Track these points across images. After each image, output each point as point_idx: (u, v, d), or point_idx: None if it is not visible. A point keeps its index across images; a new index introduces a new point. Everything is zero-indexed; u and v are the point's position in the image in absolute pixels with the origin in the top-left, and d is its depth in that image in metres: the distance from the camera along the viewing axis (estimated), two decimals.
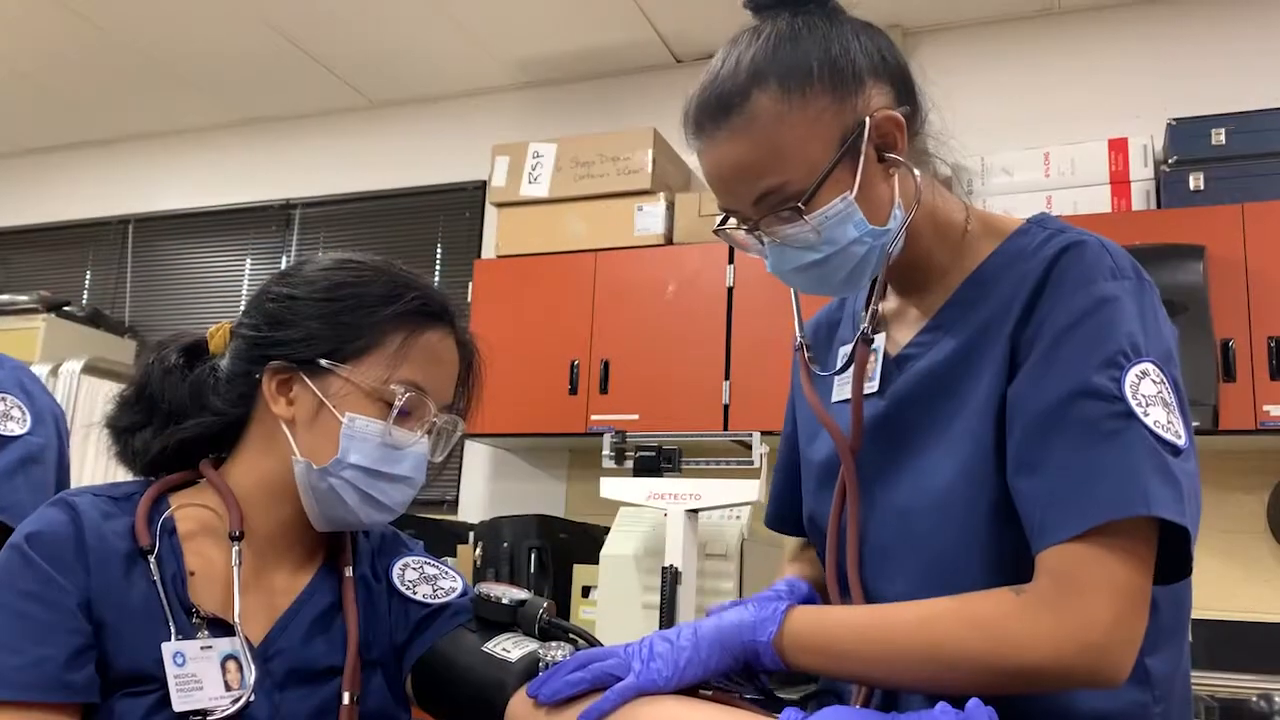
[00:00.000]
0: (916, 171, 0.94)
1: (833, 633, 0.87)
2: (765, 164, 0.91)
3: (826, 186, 0.91)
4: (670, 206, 3.24)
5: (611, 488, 2.45)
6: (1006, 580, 0.87)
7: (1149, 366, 0.85)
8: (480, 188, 3.95)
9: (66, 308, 4.10)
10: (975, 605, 0.83)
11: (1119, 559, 0.80)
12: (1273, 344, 2.54)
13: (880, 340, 1.03)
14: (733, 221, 0.98)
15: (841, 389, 1.04)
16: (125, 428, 1.07)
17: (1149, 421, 0.82)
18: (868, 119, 0.91)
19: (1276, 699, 2.21)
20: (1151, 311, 0.89)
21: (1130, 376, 0.84)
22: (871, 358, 1.03)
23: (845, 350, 1.06)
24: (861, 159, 0.91)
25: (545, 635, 1.01)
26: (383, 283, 1.03)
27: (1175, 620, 0.92)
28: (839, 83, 0.91)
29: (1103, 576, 0.79)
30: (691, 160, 1.00)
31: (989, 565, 0.90)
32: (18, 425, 1.46)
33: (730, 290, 3.06)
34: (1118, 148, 2.90)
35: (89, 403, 3.41)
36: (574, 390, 3.17)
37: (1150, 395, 0.84)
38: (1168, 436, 0.83)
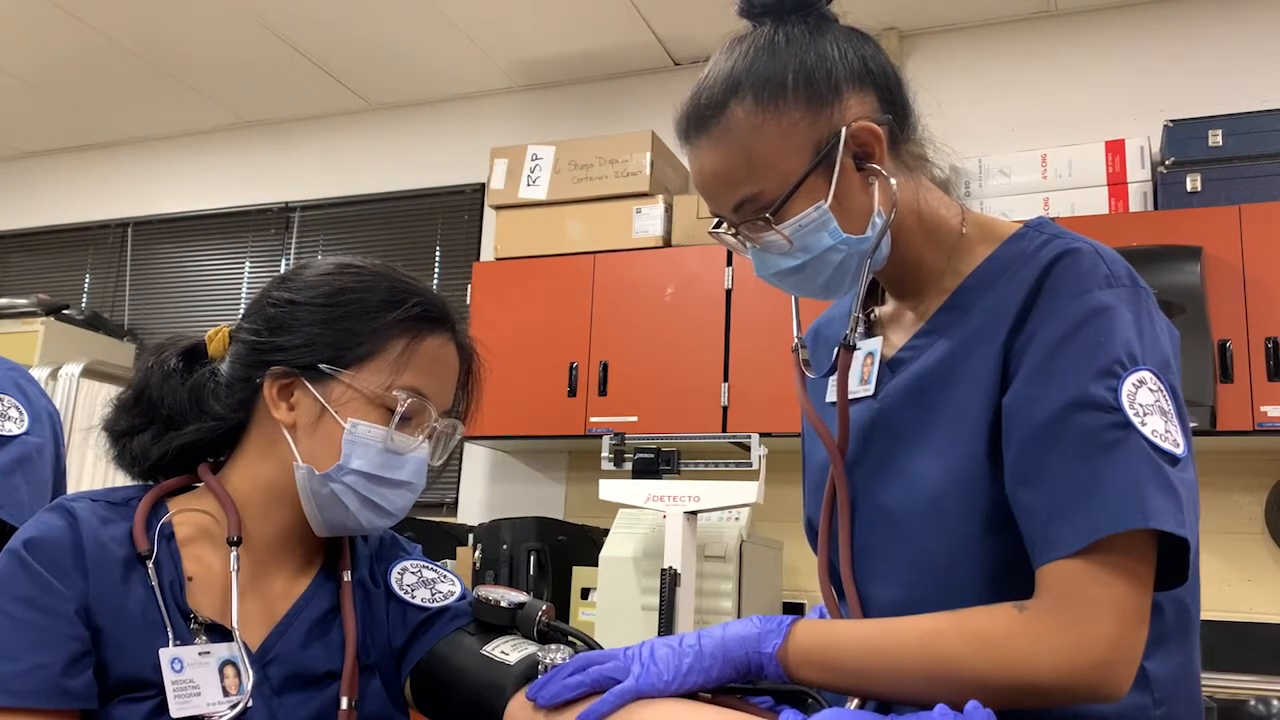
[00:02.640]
0: (893, 181, 0.95)
1: (836, 647, 0.87)
2: (741, 173, 0.94)
3: (800, 195, 0.93)
4: (668, 209, 3.24)
5: (610, 490, 2.46)
6: (999, 586, 0.87)
7: (1146, 375, 0.85)
8: (479, 190, 3.95)
9: (65, 311, 4.10)
10: (978, 622, 0.83)
11: (1120, 574, 0.80)
12: (1270, 345, 2.55)
13: (877, 343, 1.04)
14: (724, 225, 1.00)
15: (833, 391, 1.05)
16: (124, 431, 1.07)
17: (1146, 431, 0.83)
18: (844, 129, 0.92)
19: (1274, 701, 2.22)
20: (1147, 318, 0.89)
21: (1127, 386, 0.84)
22: (868, 360, 1.03)
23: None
24: (837, 169, 0.92)
25: (544, 638, 1.01)
26: (384, 288, 1.03)
27: (1178, 623, 0.92)
28: (813, 94, 0.93)
29: (1104, 593, 0.80)
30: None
31: (981, 571, 0.90)
32: (15, 425, 1.46)
33: (729, 292, 3.06)
34: (1115, 149, 2.90)
35: (88, 406, 3.41)
36: (573, 392, 3.17)
37: (1148, 404, 0.84)
38: (1166, 446, 0.83)
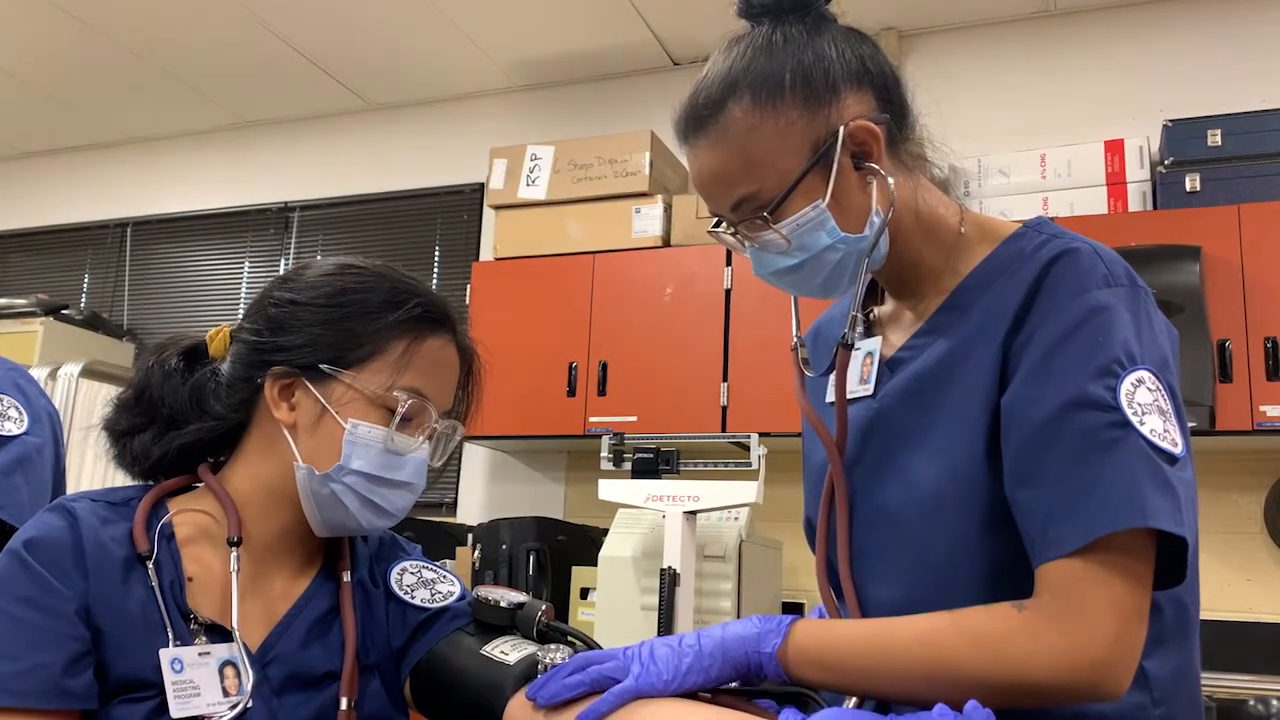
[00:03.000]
0: (891, 180, 0.95)
1: (836, 647, 0.87)
2: (739, 173, 0.94)
3: (798, 195, 0.93)
4: (668, 208, 3.24)
5: (610, 490, 2.46)
6: (997, 585, 0.87)
7: (1144, 374, 0.85)
8: (478, 190, 3.95)
9: (65, 311, 4.10)
10: (977, 621, 0.83)
11: (1118, 573, 0.80)
12: (1269, 345, 2.55)
13: (876, 343, 1.04)
14: (723, 224, 1.00)
15: (832, 391, 1.05)
16: (124, 431, 1.07)
17: (1145, 430, 0.83)
18: (841, 129, 0.93)
19: (1274, 701, 2.22)
20: (1146, 318, 0.89)
21: (1126, 385, 0.84)
22: (867, 360, 1.03)
23: None
24: (835, 168, 0.93)
25: (544, 638, 1.01)
26: (386, 289, 1.03)
27: (1177, 622, 0.92)
28: (811, 93, 0.93)
29: (1103, 592, 0.80)
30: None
31: (980, 571, 0.90)
32: (15, 425, 1.46)
33: (728, 292, 3.06)
34: (1114, 149, 2.90)
35: (87, 406, 3.40)
36: (572, 392, 3.17)
37: (1146, 403, 0.84)
38: (1164, 445, 0.83)
